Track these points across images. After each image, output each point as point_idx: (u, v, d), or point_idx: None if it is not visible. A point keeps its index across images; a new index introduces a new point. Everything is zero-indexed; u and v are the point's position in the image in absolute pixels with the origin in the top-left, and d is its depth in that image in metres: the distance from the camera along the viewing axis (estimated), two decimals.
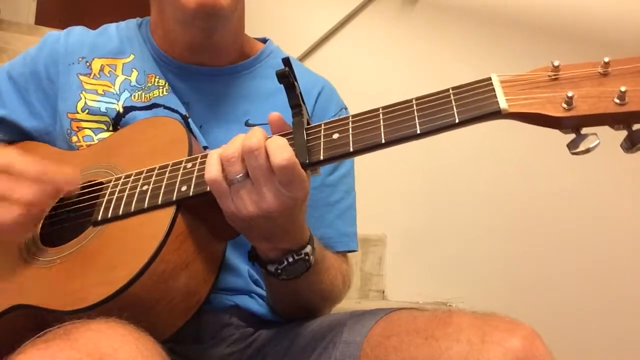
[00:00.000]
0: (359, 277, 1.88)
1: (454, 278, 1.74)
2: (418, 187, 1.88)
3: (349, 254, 0.93)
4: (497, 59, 1.65)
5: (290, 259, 0.70)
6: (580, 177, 1.44)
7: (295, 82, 0.66)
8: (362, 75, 2.09)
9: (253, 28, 1.00)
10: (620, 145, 0.54)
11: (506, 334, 0.60)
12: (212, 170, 0.63)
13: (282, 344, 0.80)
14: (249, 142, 0.61)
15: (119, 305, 0.60)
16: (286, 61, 0.65)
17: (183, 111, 0.87)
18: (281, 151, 0.60)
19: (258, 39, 0.99)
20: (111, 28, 0.96)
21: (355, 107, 0.65)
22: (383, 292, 1.90)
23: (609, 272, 1.38)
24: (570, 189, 1.47)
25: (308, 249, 0.70)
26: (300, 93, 0.67)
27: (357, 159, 0.88)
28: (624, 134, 0.55)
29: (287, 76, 0.64)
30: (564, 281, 1.47)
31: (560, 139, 0.57)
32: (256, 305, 0.85)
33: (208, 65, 0.90)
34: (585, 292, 1.42)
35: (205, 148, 0.83)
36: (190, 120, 0.86)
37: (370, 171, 1.71)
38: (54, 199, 0.69)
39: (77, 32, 0.95)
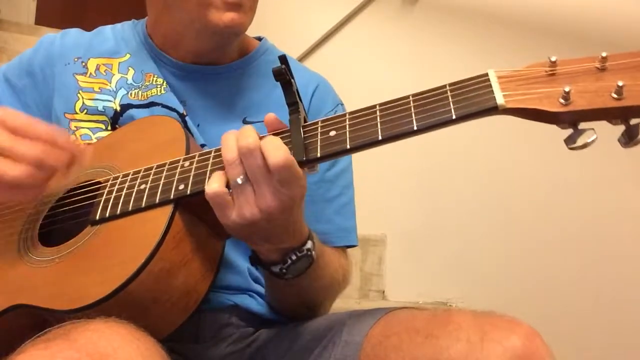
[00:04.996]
0: (359, 277, 1.87)
1: (454, 278, 1.73)
2: (418, 187, 1.88)
3: (350, 251, 0.93)
4: (498, 58, 1.64)
5: (294, 257, 0.69)
6: (579, 175, 1.44)
7: (292, 80, 0.66)
8: (362, 75, 2.09)
9: (253, 28, 1.00)
10: (618, 140, 0.54)
11: (506, 332, 0.60)
12: (214, 186, 0.62)
13: (282, 343, 0.79)
14: (246, 142, 0.61)
15: (118, 304, 0.60)
16: (283, 59, 0.65)
17: (180, 110, 0.87)
18: (277, 151, 0.60)
19: (253, 38, 0.99)
20: (106, 30, 0.97)
21: (355, 107, 0.65)
22: (383, 292, 1.90)
23: (609, 271, 1.38)
24: (569, 188, 1.46)
25: (309, 244, 0.70)
26: (297, 90, 0.66)
27: (358, 159, 0.88)
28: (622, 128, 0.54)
29: (283, 74, 0.64)
30: (563, 280, 1.46)
31: (560, 138, 0.57)
32: (256, 305, 0.85)
33: (207, 65, 0.90)
34: (585, 291, 1.41)
35: (203, 146, 0.83)
36: (187, 118, 0.86)
37: (371, 171, 1.71)
38: (66, 164, 0.67)
39: (73, 34, 0.96)
